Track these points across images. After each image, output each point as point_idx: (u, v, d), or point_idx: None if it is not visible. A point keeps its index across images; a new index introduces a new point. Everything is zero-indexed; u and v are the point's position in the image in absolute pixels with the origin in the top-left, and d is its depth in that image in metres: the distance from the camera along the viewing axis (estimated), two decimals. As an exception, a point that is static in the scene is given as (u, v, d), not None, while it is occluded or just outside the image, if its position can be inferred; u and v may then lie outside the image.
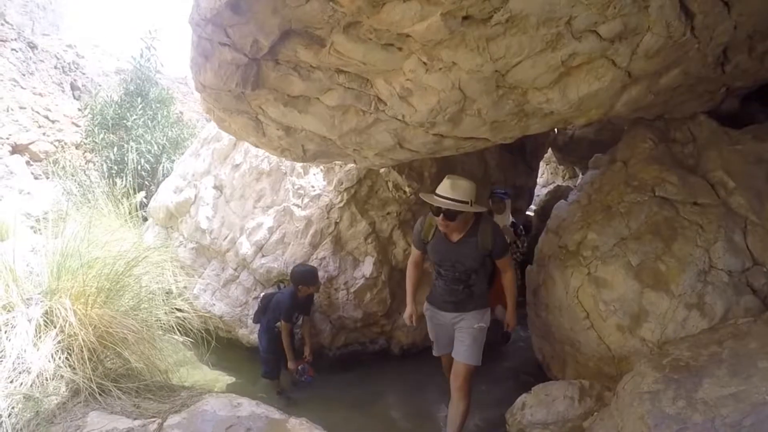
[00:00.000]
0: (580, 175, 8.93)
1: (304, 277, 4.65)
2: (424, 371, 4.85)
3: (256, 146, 4.09)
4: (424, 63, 2.58)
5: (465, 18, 2.31)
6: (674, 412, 2.50)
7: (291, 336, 4.69)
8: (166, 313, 4.54)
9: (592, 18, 2.35)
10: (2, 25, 23.84)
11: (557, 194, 8.65)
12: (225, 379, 4.92)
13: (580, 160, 8.14)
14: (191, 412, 3.31)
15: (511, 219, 5.29)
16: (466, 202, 3.21)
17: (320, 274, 4.99)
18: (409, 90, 2.77)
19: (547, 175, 11.20)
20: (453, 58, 2.52)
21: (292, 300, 4.63)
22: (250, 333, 5.12)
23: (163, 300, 4.67)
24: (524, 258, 5.02)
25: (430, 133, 3.18)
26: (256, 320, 4.92)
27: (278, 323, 4.64)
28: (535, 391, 3.65)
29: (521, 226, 4.83)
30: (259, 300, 4.99)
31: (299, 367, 4.60)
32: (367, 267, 5.12)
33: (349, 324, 5.23)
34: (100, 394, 3.42)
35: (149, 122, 9.56)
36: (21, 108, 20.91)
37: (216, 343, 4.67)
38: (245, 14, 2.37)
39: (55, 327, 3.62)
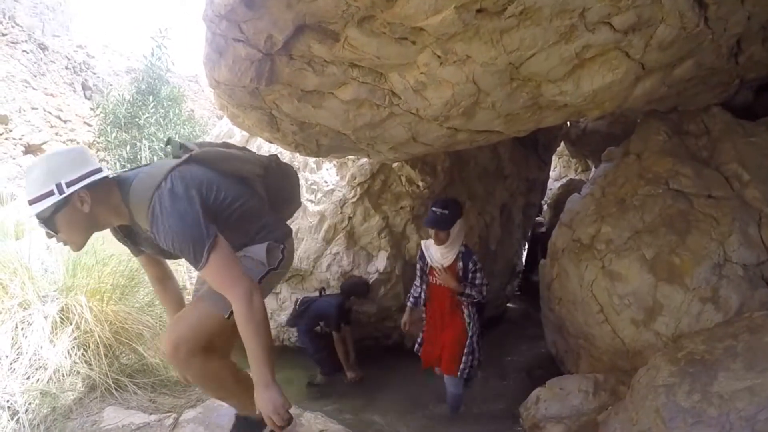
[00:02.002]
0: (593, 169, 8.89)
1: (359, 288, 4.96)
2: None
3: (270, 142, 4.09)
4: (438, 56, 2.58)
5: (479, 11, 2.30)
6: (689, 405, 2.49)
7: (345, 344, 4.90)
8: (182, 309, 4.56)
9: (605, 9, 2.33)
10: (13, 27, 24.03)
11: (570, 188, 8.61)
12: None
13: (592, 153, 8.08)
14: (207, 406, 3.33)
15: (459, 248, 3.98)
16: None
17: (334, 269, 5.02)
18: (423, 83, 2.77)
19: (559, 169, 11.13)
20: (467, 51, 2.52)
21: (339, 309, 4.80)
22: (263, 328, 5.11)
23: (178, 296, 4.71)
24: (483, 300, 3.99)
25: (444, 126, 3.17)
26: (291, 324, 5.06)
27: (318, 326, 4.84)
28: (549, 385, 3.64)
29: (473, 258, 3.90)
30: (297, 304, 5.07)
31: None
32: (380, 262, 5.13)
33: (363, 319, 5.26)
34: (116, 390, 3.45)
35: (161, 120, 9.65)
36: (33, 108, 21.07)
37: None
38: (259, 10, 2.37)
39: (71, 323, 3.66)
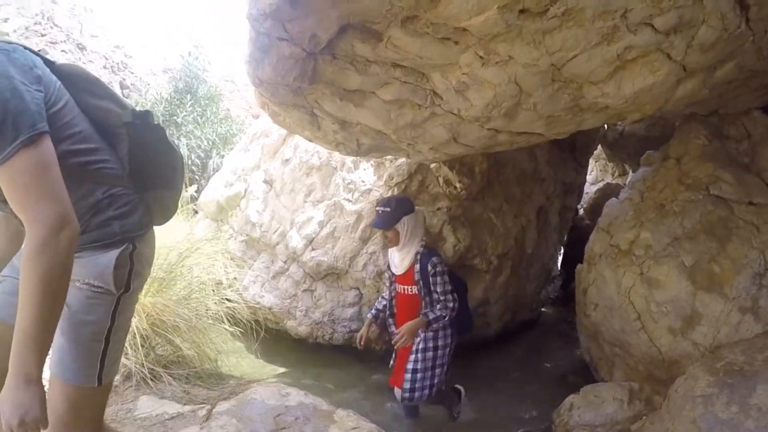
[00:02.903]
0: (630, 173, 8.74)
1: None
2: (473, 365, 4.88)
3: (310, 140, 4.14)
4: (481, 57, 2.58)
5: (521, 11, 2.29)
6: (727, 417, 2.46)
7: None
8: (216, 303, 4.64)
9: (647, 10, 2.31)
10: (51, 28, 24.57)
11: (607, 192, 8.49)
12: (272, 369, 4.98)
13: (630, 157, 7.95)
14: (240, 399, 3.38)
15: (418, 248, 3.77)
16: None
17: (370, 268, 5.06)
18: (465, 84, 2.77)
19: (596, 172, 10.96)
20: (509, 52, 2.52)
21: None
22: (298, 325, 5.18)
23: (213, 290, 4.78)
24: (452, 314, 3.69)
25: (485, 127, 3.17)
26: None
27: None
28: (583, 392, 3.61)
29: (433, 259, 3.65)
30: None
31: None
32: (416, 262, 5.10)
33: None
34: (151, 380, 3.52)
35: (198, 119, 9.77)
36: (73, 106, 21.55)
37: (264, 334, 4.77)
38: (304, 9, 2.40)
39: None
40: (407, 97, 3.01)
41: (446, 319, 3.59)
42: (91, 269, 1.57)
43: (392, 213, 3.63)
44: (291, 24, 2.52)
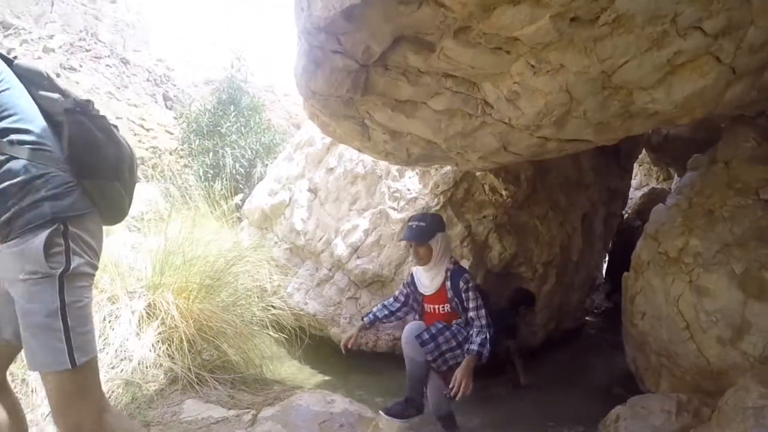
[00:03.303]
0: (675, 177, 8.60)
1: (529, 299, 5.21)
2: (516, 374, 4.89)
3: (359, 150, 4.18)
4: (532, 66, 2.60)
5: (573, 19, 2.31)
6: (779, 430, 2.41)
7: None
8: (261, 309, 4.72)
9: (696, 14, 2.31)
10: (96, 43, 25.40)
11: (652, 197, 8.38)
12: (316, 376, 5.04)
13: (675, 161, 7.80)
14: (285, 405, 3.42)
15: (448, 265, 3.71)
16: None
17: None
18: (516, 93, 2.79)
19: (640, 177, 10.78)
20: (561, 60, 2.53)
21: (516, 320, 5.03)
22: (342, 332, 5.20)
23: (258, 297, 4.86)
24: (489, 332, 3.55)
25: (534, 136, 3.18)
26: None
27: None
28: (630, 403, 3.54)
29: (464, 276, 3.62)
30: None
31: None
32: (463, 270, 5.11)
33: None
34: (197, 384, 3.62)
35: (242, 129, 9.98)
36: (117, 118, 22.15)
37: (308, 341, 4.86)
38: (358, 22, 2.44)
39: (157, 319, 3.85)
40: (458, 106, 3.04)
41: (488, 338, 3.43)
42: (27, 256, 1.61)
43: (427, 227, 3.55)
44: (345, 37, 2.58)
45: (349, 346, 3.83)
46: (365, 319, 3.93)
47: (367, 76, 2.88)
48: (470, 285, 3.53)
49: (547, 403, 4.48)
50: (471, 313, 3.51)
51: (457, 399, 3.28)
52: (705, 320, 3.52)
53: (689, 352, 3.61)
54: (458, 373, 3.28)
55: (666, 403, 3.38)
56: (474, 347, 3.38)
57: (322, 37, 2.63)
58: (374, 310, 3.98)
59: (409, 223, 3.67)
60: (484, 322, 3.47)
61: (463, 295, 3.51)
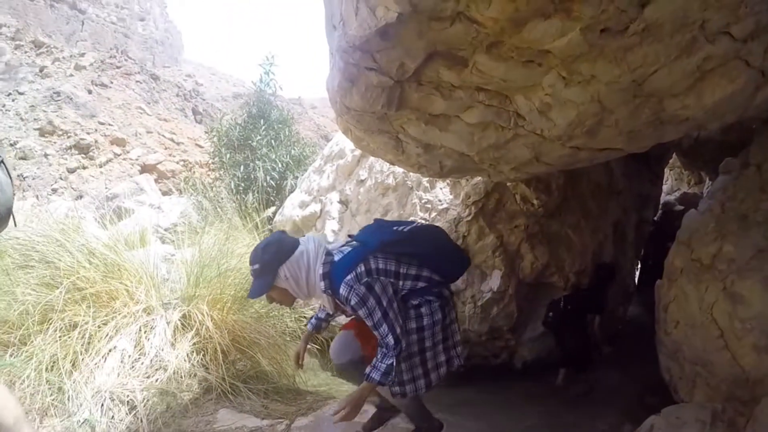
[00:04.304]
0: (707, 181, 8.48)
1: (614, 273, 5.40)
2: (547, 383, 4.91)
3: (392, 163, 4.22)
4: (563, 77, 2.63)
5: (602, 31, 2.33)
6: (816, 438, 2.39)
7: None
8: (293, 320, 4.78)
9: (724, 19, 2.32)
10: (126, 60, 26.06)
11: (684, 202, 8.27)
12: (349, 386, 5.08)
13: (706, 165, 7.73)
14: (318, 415, 3.47)
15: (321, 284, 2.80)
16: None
17: None
18: (548, 105, 2.81)
19: (671, 182, 10.66)
20: (592, 71, 2.56)
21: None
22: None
23: (291, 308, 4.92)
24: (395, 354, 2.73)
25: (566, 146, 3.20)
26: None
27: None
28: (664, 413, 3.49)
29: (346, 281, 2.69)
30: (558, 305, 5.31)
31: None
32: (494, 280, 5.14)
33: (474, 338, 5.27)
34: (230, 394, 3.71)
35: (272, 142, 10.17)
36: (148, 132, 22.75)
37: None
38: (392, 40, 2.49)
39: (191, 330, 3.94)
40: (491, 119, 3.07)
41: (394, 361, 2.62)
42: None
43: (262, 269, 2.69)
44: (380, 54, 2.64)
45: (300, 362, 3.34)
46: (308, 326, 3.36)
47: (401, 91, 2.93)
48: (355, 292, 2.62)
49: (576, 410, 4.48)
50: (374, 332, 2.72)
51: (334, 422, 2.76)
52: (740, 328, 3.45)
53: (724, 360, 3.55)
54: (344, 401, 2.72)
55: (700, 413, 3.34)
56: (375, 375, 2.63)
57: (357, 55, 2.70)
58: (315, 314, 3.40)
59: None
60: (390, 340, 2.62)
61: (355, 312, 2.71)
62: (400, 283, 2.82)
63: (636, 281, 7.67)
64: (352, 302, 2.61)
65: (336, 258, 2.76)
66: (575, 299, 5.13)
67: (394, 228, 3.03)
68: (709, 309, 3.68)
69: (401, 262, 2.85)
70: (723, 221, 3.93)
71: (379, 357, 2.65)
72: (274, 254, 2.70)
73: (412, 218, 5.45)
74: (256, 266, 2.68)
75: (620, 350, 6.33)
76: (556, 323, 5.10)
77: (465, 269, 3.31)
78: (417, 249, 2.91)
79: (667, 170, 9.53)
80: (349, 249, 2.82)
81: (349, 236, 3.02)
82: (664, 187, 9.49)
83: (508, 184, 5.19)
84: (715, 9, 2.28)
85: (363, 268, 2.67)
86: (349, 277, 2.63)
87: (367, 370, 2.67)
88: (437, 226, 3.27)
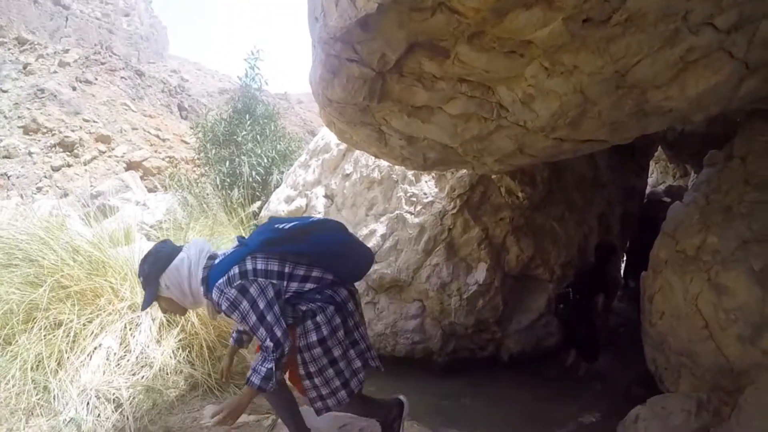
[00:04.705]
0: (692, 174, 8.53)
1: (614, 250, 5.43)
2: (534, 376, 4.89)
3: (376, 156, 4.21)
4: (546, 68, 2.62)
5: (585, 21, 2.33)
6: (800, 427, 2.41)
7: None
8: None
9: (707, 10, 2.33)
10: (110, 56, 25.81)
11: (669, 195, 8.31)
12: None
13: (691, 157, 7.76)
14: (304, 410, 3.42)
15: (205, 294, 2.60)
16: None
17: (433, 280, 5.12)
18: (531, 95, 2.81)
19: (656, 175, 10.72)
20: (574, 62, 2.55)
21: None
22: (361, 337, 5.27)
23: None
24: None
25: (550, 137, 3.19)
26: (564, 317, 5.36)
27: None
28: (650, 403, 3.53)
29: (216, 287, 2.48)
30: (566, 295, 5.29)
31: None
32: (480, 273, 5.16)
33: (460, 330, 5.28)
34: (217, 390, 3.66)
35: (258, 137, 10.11)
36: (133, 129, 22.55)
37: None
38: (373, 30, 2.47)
39: (177, 326, 3.90)
40: (473, 110, 3.06)
41: (274, 365, 2.42)
42: None
43: (145, 282, 2.58)
44: (361, 45, 2.61)
45: (225, 377, 3.14)
46: (231, 341, 3.08)
47: (383, 83, 2.91)
48: (226, 296, 2.43)
49: (563, 402, 4.49)
50: (254, 335, 2.55)
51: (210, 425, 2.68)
52: (724, 318, 3.48)
53: (709, 351, 3.57)
54: (223, 406, 2.54)
55: (686, 403, 3.37)
56: (255, 380, 2.43)
57: (338, 46, 2.67)
58: (235, 327, 3.08)
59: None
60: (269, 343, 2.42)
61: (233, 318, 2.50)
62: (285, 283, 2.60)
63: (622, 273, 7.70)
64: (223, 307, 2.44)
65: (216, 261, 2.60)
66: (581, 284, 5.15)
67: (279, 226, 2.73)
68: (694, 300, 3.70)
69: (286, 262, 2.62)
70: (707, 213, 3.94)
71: (259, 360, 2.46)
72: (153, 264, 2.55)
73: (397, 212, 5.47)
74: (141, 279, 2.57)
75: (607, 341, 6.36)
76: (567, 314, 5.14)
77: (368, 267, 3.06)
78: (302, 247, 2.67)
79: (652, 163, 9.60)
80: (230, 251, 2.66)
81: (238, 238, 2.81)
82: (649, 180, 9.55)
83: (493, 176, 5.19)
84: (698, 0, 2.28)
85: (236, 270, 2.50)
86: (220, 281, 2.47)
87: (248, 374, 2.47)
88: (337, 222, 2.93)
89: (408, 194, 5.51)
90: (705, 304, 3.63)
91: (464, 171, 5.11)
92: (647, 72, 2.63)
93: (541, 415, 4.36)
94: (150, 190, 14.75)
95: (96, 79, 24.85)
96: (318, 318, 2.59)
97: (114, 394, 3.36)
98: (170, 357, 3.71)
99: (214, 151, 10.31)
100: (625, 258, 7.85)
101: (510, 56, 2.59)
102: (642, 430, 3.37)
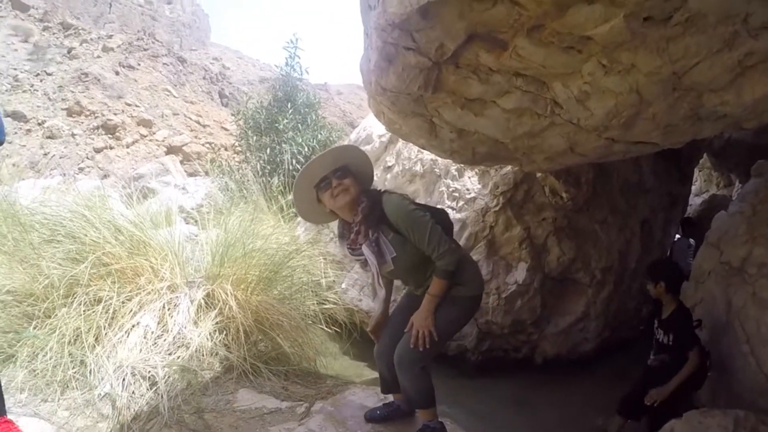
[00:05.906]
0: (737, 183, 8.34)
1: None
2: (567, 382, 4.85)
3: (424, 148, 4.21)
4: (603, 65, 2.60)
5: (646, 19, 2.30)
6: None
7: None
8: (315, 304, 4.79)
9: None
10: (153, 43, 26.27)
11: (713, 204, 8.17)
12: (367, 372, 5.09)
13: (737, 167, 7.59)
14: (338, 399, 3.47)
15: None
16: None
17: None
18: (586, 93, 2.78)
19: (700, 183, 10.50)
20: (632, 60, 2.53)
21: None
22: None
23: (313, 292, 4.92)
24: None
25: (602, 137, 3.16)
26: None
27: None
28: (686, 417, 3.46)
29: None
30: None
31: None
32: (520, 273, 5.12)
33: (496, 330, 5.25)
34: (251, 374, 3.69)
35: (299, 126, 10.17)
36: (174, 114, 22.94)
37: (359, 338, 4.90)
38: (433, 19, 2.47)
39: (215, 309, 3.95)
40: (527, 106, 3.04)
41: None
42: None
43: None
44: (419, 34, 2.61)
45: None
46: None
47: (438, 73, 2.90)
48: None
49: (595, 411, 4.43)
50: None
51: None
52: (766, 334, 3.40)
53: (748, 367, 3.49)
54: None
55: (723, 420, 3.28)
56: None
57: (396, 33, 2.67)
58: None
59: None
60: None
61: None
62: None
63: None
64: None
65: None
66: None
67: None
68: (737, 314, 3.62)
69: None
70: (754, 224, 3.86)
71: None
72: None
73: (438, 206, 5.40)
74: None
75: (642, 350, 6.27)
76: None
77: None
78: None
79: (696, 171, 9.40)
80: None
81: None
82: (693, 188, 9.36)
83: (538, 175, 5.14)
84: (759, 3, 2.23)
85: None
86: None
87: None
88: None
89: (450, 189, 5.48)
90: (747, 319, 3.54)
91: (508, 168, 5.07)
92: (705, 75, 2.58)
93: (570, 423, 4.32)
94: (189, 175, 14.96)
95: (139, 64, 25.30)
96: None
97: (149, 372, 3.42)
98: (207, 339, 3.76)
99: (255, 138, 10.41)
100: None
101: (568, 52, 2.56)
102: (677, 444, 3.32)
